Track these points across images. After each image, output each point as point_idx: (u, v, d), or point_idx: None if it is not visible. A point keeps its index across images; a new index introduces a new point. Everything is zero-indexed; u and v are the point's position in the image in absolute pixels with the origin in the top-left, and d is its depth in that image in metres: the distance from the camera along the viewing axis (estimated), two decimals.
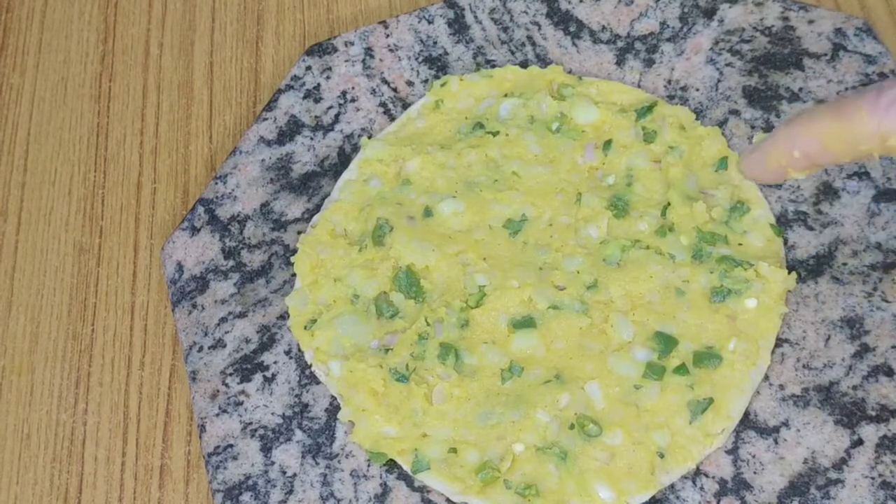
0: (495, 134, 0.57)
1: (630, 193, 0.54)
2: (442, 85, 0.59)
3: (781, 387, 0.49)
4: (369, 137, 0.59)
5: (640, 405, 0.49)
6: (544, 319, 0.51)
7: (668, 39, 0.59)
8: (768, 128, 0.56)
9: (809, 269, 0.52)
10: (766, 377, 0.49)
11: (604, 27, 0.61)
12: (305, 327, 0.53)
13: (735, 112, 0.57)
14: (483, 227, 0.54)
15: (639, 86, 0.59)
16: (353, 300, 0.53)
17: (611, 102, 0.57)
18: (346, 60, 0.62)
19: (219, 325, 0.55)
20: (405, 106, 0.60)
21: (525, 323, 0.51)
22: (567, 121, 0.57)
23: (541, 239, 0.54)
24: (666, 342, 0.50)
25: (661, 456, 0.47)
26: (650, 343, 0.50)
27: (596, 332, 0.51)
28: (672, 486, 0.48)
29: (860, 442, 0.47)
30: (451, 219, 0.55)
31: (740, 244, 0.52)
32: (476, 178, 0.56)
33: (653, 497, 0.47)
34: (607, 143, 0.56)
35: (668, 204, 0.53)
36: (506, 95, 0.58)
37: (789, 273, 0.51)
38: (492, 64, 0.60)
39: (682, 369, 0.49)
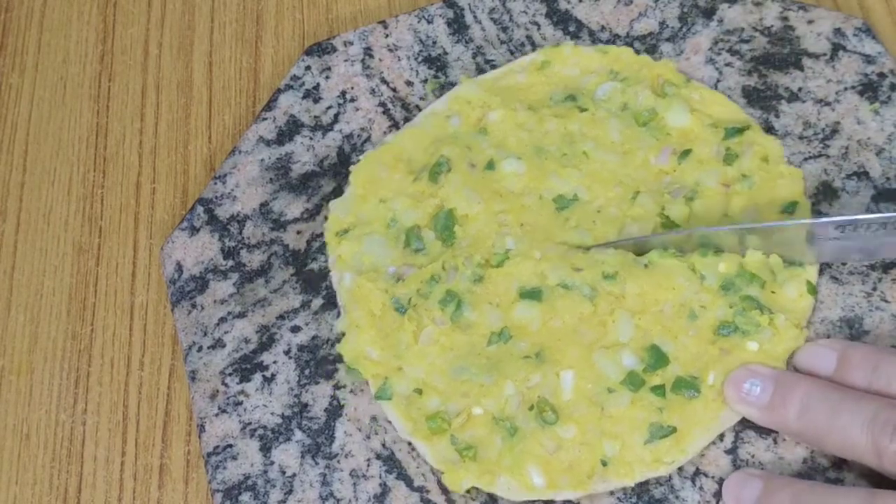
0: (583, 110, 0.56)
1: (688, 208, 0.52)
2: (554, 47, 0.59)
3: None
4: (369, 138, 0.59)
5: (605, 409, 0.48)
6: (551, 295, 0.51)
7: (668, 39, 0.59)
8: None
9: None
10: None
11: (603, 27, 0.61)
12: (337, 233, 0.55)
13: None
14: (534, 195, 0.54)
15: None
16: (390, 224, 0.54)
17: (706, 114, 0.55)
18: (346, 60, 0.62)
19: (218, 324, 0.55)
20: (404, 105, 0.60)
21: (532, 294, 0.51)
22: (657, 118, 0.55)
23: (583, 222, 0.53)
24: (658, 358, 0.48)
25: (605, 464, 0.47)
26: (642, 353, 0.49)
27: (596, 322, 0.50)
28: (671, 486, 0.48)
29: None
30: (508, 177, 0.55)
31: (773, 292, 0.50)
32: (548, 146, 0.56)
33: (650, 496, 0.47)
34: (685, 152, 0.54)
35: None
36: (611, 75, 0.57)
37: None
38: (491, 64, 0.60)
39: (659, 390, 0.48)
